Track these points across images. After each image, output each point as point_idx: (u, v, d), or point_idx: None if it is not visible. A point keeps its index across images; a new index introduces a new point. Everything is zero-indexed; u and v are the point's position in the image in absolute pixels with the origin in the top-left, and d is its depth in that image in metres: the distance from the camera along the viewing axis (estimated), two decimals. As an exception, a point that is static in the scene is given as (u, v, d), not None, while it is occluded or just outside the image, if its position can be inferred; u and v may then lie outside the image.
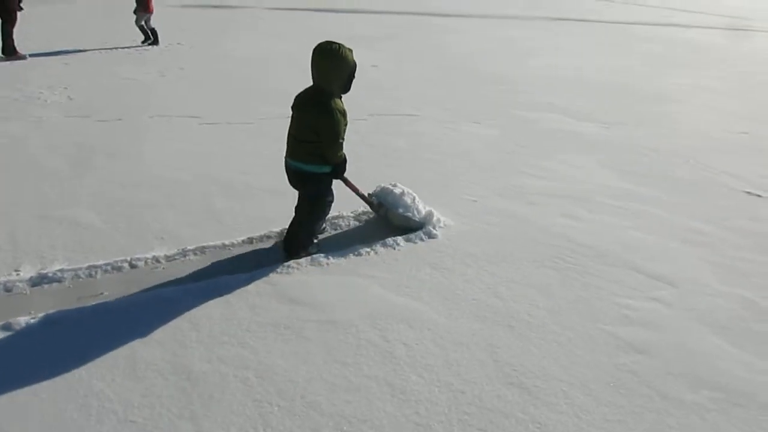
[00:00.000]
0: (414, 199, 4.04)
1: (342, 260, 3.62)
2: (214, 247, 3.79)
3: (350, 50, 3.16)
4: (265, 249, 3.82)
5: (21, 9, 10.13)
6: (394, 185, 4.09)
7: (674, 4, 29.27)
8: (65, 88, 8.01)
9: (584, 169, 5.45)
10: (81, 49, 10.88)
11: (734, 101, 8.78)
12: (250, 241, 3.88)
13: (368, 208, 4.19)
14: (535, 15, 20.33)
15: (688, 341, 2.98)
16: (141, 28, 11.28)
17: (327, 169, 3.36)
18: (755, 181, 5.38)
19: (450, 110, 7.41)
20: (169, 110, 6.93)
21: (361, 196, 3.89)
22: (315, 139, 3.19)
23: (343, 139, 3.25)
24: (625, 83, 9.67)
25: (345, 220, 4.25)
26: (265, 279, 3.40)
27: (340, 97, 3.28)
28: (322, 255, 3.65)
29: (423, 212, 4.01)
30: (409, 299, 3.23)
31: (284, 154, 3.46)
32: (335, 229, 4.14)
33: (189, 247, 3.75)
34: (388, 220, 4.06)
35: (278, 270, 3.50)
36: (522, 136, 6.43)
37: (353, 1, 21.48)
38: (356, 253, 3.69)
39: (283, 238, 3.80)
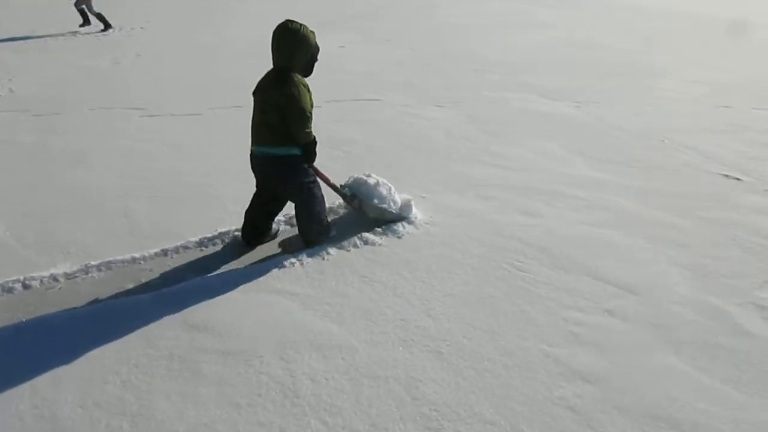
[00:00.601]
0: (390, 189, 3.71)
1: (263, 276, 3.19)
2: (122, 261, 3.35)
3: (312, 32, 3.08)
4: (182, 264, 3.39)
5: None
6: (369, 175, 3.77)
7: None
8: (10, 79, 7.52)
9: (549, 156, 4.99)
10: (37, 35, 10.33)
11: (724, 74, 8.25)
12: (164, 253, 3.44)
13: (341, 201, 3.88)
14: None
15: (642, 365, 2.56)
16: (81, 12, 10.64)
17: (296, 151, 3.15)
18: (734, 162, 4.93)
19: (415, 94, 6.92)
20: (113, 102, 6.44)
21: (333, 187, 3.58)
22: (280, 120, 3.02)
23: (311, 114, 3.08)
24: (610, 58, 9.13)
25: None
26: (171, 300, 2.98)
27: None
28: (241, 267, 3.23)
29: (400, 203, 3.71)
30: (327, 321, 2.80)
31: (250, 146, 3.22)
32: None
33: (93, 263, 3.32)
34: (362, 212, 3.70)
35: (189, 289, 3.08)
36: (487, 120, 5.96)
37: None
38: (280, 265, 3.26)
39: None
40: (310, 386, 2.41)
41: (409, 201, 3.76)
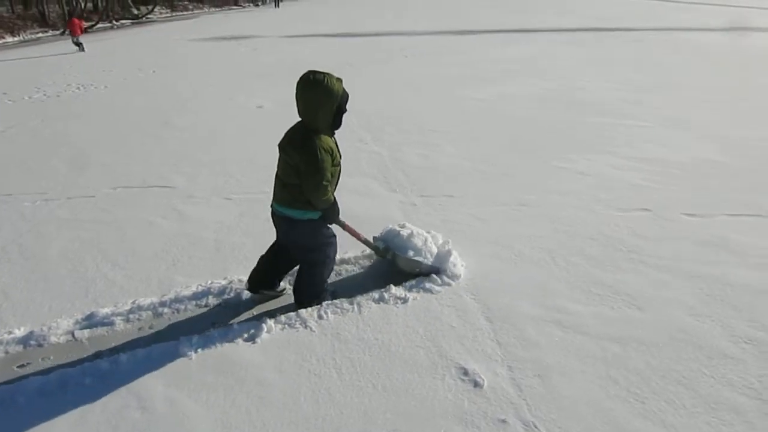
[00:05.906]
0: (426, 240, 3.37)
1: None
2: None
3: (339, 80, 2.68)
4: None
5: None
6: (402, 226, 3.47)
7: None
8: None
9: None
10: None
11: (707, 148, 5.54)
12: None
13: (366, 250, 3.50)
14: (559, 26, 16.88)
15: None
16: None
17: (314, 216, 2.82)
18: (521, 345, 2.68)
19: (234, 177, 5.22)
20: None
21: (364, 242, 3.27)
22: (299, 181, 2.70)
23: (328, 181, 2.71)
24: (568, 119, 6.76)
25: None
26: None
27: (331, 134, 2.79)
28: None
29: (437, 254, 3.32)
30: None
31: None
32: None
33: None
34: (395, 264, 3.33)
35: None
36: (250, 223, 4.17)
37: (393, 23, 19.46)
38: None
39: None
40: None
41: (448, 251, 3.34)
